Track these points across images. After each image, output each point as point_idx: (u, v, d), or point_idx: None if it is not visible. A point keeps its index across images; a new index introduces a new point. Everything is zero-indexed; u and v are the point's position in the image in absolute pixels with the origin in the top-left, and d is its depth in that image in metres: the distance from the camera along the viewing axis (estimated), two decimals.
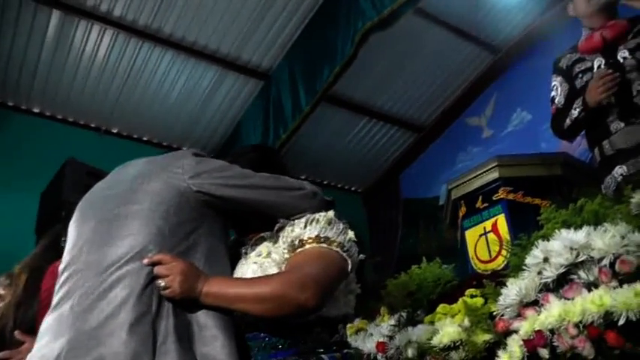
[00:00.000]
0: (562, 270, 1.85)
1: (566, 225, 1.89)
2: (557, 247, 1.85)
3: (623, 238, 1.76)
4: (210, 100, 7.21)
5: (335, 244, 1.64)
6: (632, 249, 1.73)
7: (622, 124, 2.43)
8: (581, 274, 1.83)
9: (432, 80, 7.80)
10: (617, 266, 1.72)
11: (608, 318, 1.63)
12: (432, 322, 2.23)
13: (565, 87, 2.71)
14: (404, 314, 2.35)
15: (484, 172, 2.89)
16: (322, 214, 1.73)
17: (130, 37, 6.20)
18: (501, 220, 2.83)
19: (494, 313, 1.89)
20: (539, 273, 1.93)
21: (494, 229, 2.85)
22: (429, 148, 8.34)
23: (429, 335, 2.12)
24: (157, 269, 1.45)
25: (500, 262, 2.76)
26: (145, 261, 1.47)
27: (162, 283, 1.44)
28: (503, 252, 2.67)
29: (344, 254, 1.65)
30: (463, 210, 3.00)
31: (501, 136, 7.61)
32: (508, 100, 7.51)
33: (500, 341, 1.91)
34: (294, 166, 8.17)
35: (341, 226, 1.71)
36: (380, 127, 8.26)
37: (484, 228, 2.90)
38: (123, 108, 6.96)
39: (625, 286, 1.68)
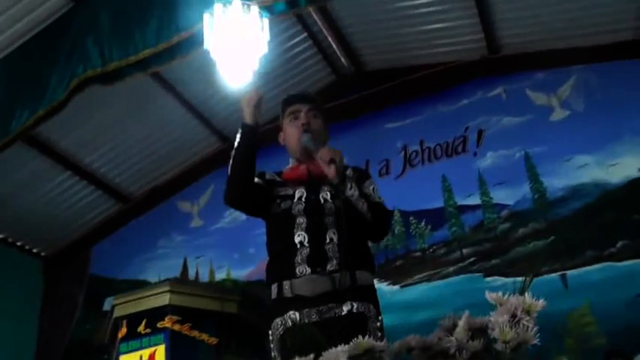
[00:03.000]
0: None
1: None
2: None
3: None
4: None
5: None
6: None
7: (308, 270, 2.46)
8: None
9: (152, 151, 7.63)
10: None
11: None
12: None
13: (259, 181, 2.75)
14: None
15: (154, 294, 2.78)
16: None
17: None
18: (160, 352, 2.72)
19: None
20: None
21: (151, 359, 2.72)
22: (131, 224, 8.07)
23: None
24: None
25: None
26: None
27: None
28: None
29: None
30: (123, 331, 2.84)
31: (211, 229, 7.68)
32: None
33: None
34: None
35: None
36: (82, 187, 7.73)
37: (141, 356, 2.75)
38: None
39: None
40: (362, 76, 7.30)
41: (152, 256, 7.85)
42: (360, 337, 2.18)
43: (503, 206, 6.29)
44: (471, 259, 6.28)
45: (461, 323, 1.86)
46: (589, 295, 5.59)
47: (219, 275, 7.46)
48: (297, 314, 2.39)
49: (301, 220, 2.54)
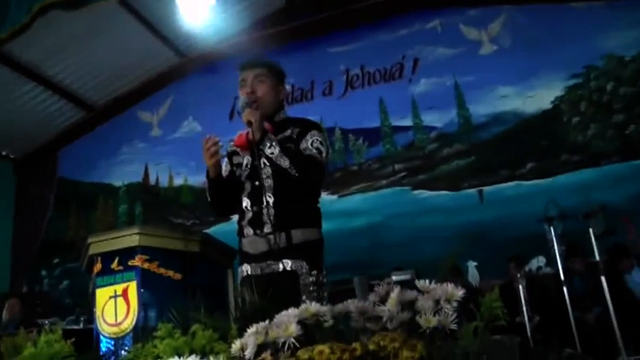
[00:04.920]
0: None
1: (177, 353, 1.94)
2: None
3: None
4: None
5: None
6: None
7: (251, 231, 2.51)
8: None
9: (113, 64, 7.30)
10: None
11: None
12: None
13: (227, 168, 2.74)
14: None
15: (125, 235, 2.81)
16: None
17: None
18: (132, 287, 2.78)
19: None
20: None
21: (125, 294, 2.79)
22: (95, 131, 7.85)
23: None
24: None
25: (124, 329, 2.73)
26: None
27: None
28: (129, 320, 2.67)
29: None
30: (98, 267, 2.87)
31: (169, 138, 7.59)
32: (182, 106, 7.51)
33: None
34: None
35: None
36: (47, 96, 7.44)
37: (115, 291, 2.81)
38: None
39: None
40: (309, 3, 7.04)
41: (116, 162, 7.76)
42: (296, 293, 2.34)
43: (432, 128, 6.42)
44: (402, 174, 6.47)
45: (393, 295, 2.01)
46: (501, 208, 5.92)
47: (178, 181, 7.46)
48: (249, 267, 2.50)
49: (247, 185, 2.55)
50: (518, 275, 4.83)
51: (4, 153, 8.02)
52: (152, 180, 7.62)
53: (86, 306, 6.66)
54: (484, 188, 6.05)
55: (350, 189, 6.57)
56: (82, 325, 6.49)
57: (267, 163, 2.49)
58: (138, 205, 7.62)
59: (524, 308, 4.70)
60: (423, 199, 6.28)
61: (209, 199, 2.61)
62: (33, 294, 7.69)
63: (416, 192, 6.33)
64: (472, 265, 5.95)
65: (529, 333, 4.65)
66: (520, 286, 4.80)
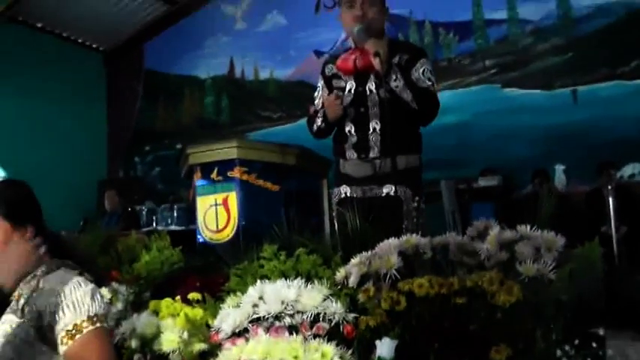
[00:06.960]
0: (272, 314, 2.05)
1: (284, 275, 2.07)
2: (271, 296, 2.02)
3: (324, 300, 2.00)
4: None
5: (103, 318, 1.59)
6: (329, 312, 1.99)
7: (354, 155, 2.57)
8: (287, 319, 2.06)
9: None
10: (314, 329, 1.98)
11: None
12: (155, 312, 2.28)
13: (325, 92, 2.77)
14: (131, 297, 2.37)
15: (224, 148, 2.94)
16: (82, 287, 1.57)
17: None
18: (232, 197, 2.93)
19: (211, 325, 2.03)
20: (255, 306, 2.09)
21: (225, 203, 2.94)
22: (180, 23, 7.91)
23: (153, 331, 2.19)
24: None
25: (225, 235, 2.92)
26: None
27: None
28: (229, 228, 2.85)
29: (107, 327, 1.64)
30: (198, 175, 3.04)
31: (254, 32, 7.55)
32: None
33: (213, 350, 2.08)
34: (29, 11, 7.24)
35: (98, 295, 1.61)
36: None
37: (215, 200, 2.98)
38: None
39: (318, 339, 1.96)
40: None
41: (200, 54, 7.87)
42: (398, 218, 2.42)
43: (528, 22, 6.07)
44: (493, 71, 6.24)
45: (492, 234, 2.03)
46: (596, 109, 5.66)
47: (263, 75, 7.53)
48: (348, 189, 2.59)
49: (350, 110, 2.58)
50: (609, 184, 4.70)
51: (94, 45, 8.27)
52: (237, 73, 7.70)
53: (179, 194, 7.09)
54: (579, 88, 5.76)
55: (439, 85, 6.39)
56: (175, 213, 6.94)
57: (374, 91, 2.52)
58: (224, 98, 7.78)
59: (612, 218, 4.60)
60: (513, 98, 6.08)
61: (315, 130, 2.69)
62: (129, 179, 8.21)
63: (506, 90, 6.13)
64: (560, 168, 5.81)
65: (614, 245, 4.57)
66: (609, 195, 4.67)
